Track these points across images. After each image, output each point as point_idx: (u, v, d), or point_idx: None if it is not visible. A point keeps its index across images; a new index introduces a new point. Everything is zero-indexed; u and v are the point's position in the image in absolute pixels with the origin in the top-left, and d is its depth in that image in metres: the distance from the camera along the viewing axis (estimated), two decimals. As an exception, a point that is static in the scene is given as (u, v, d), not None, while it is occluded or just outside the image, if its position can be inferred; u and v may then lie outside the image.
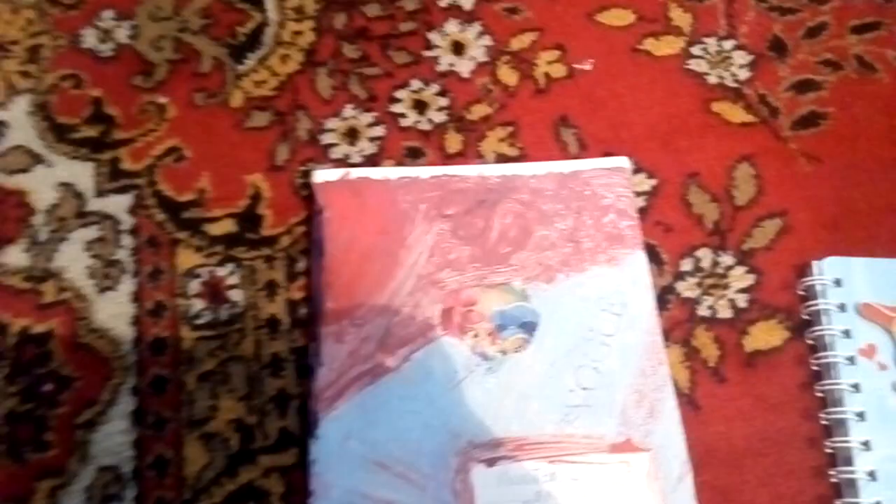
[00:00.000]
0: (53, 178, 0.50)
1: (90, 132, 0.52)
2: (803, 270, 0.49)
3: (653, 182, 0.52)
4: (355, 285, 0.47)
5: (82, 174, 0.51)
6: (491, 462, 0.42)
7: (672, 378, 0.45)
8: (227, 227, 0.50)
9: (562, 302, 0.47)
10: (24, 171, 0.50)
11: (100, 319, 0.47)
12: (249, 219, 0.50)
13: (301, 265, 0.49)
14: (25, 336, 0.46)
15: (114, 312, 0.47)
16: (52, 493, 0.43)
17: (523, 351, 0.45)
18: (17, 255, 0.48)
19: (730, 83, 0.55)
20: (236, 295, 0.48)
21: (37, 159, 0.51)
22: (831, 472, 0.44)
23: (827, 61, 0.56)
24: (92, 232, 0.49)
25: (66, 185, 0.50)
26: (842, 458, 0.43)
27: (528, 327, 0.46)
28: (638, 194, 0.51)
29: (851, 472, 0.42)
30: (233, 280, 0.48)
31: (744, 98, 0.55)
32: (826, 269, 0.47)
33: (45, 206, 0.49)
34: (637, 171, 0.52)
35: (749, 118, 0.54)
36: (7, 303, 0.47)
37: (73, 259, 0.48)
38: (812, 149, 0.53)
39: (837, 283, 0.47)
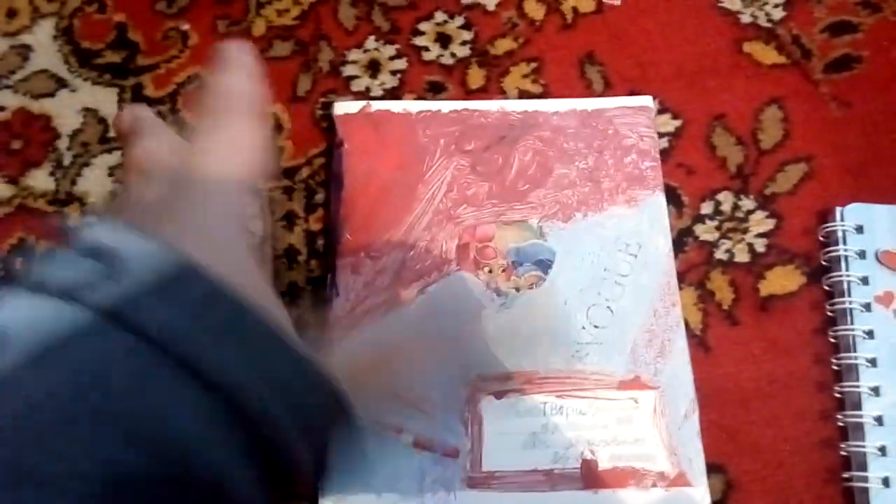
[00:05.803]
0: (77, 103, 0.51)
1: (113, 58, 0.52)
2: (825, 216, 0.48)
3: (677, 123, 0.51)
4: (373, 218, 0.47)
5: (105, 100, 0.51)
6: (500, 394, 0.43)
7: (684, 319, 0.45)
8: (247, 156, 0.50)
9: (578, 241, 0.47)
10: (48, 95, 0.51)
11: (123, 243, 0.48)
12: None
13: (320, 197, 0.49)
14: (51, 257, 0.47)
15: (136, 237, 0.48)
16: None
17: (537, 288, 0.46)
18: (42, 179, 0.49)
19: (763, 23, 0.53)
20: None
21: (61, 84, 0.51)
22: (838, 416, 0.44)
23: (865, 2, 0.54)
24: (115, 157, 0.49)
25: (89, 111, 0.51)
26: (850, 402, 0.44)
27: (543, 265, 0.46)
28: (661, 135, 0.50)
29: (859, 417, 0.42)
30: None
31: (777, 38, 0.53)
32: (848, 216, 0.46)
33: (69, 131, 0.50)
34: (662, 111, 0.51)
35: (781, 59, 0.53)
36: (32, 225, 0.48)
37: (96, 184, 0.49)
38: (843, 93, 0.52)
39: (859, 229, 0.46)
